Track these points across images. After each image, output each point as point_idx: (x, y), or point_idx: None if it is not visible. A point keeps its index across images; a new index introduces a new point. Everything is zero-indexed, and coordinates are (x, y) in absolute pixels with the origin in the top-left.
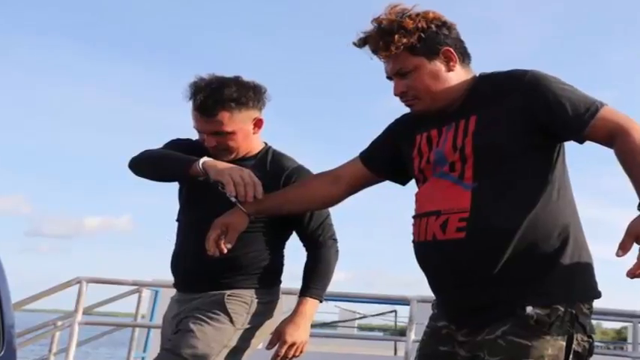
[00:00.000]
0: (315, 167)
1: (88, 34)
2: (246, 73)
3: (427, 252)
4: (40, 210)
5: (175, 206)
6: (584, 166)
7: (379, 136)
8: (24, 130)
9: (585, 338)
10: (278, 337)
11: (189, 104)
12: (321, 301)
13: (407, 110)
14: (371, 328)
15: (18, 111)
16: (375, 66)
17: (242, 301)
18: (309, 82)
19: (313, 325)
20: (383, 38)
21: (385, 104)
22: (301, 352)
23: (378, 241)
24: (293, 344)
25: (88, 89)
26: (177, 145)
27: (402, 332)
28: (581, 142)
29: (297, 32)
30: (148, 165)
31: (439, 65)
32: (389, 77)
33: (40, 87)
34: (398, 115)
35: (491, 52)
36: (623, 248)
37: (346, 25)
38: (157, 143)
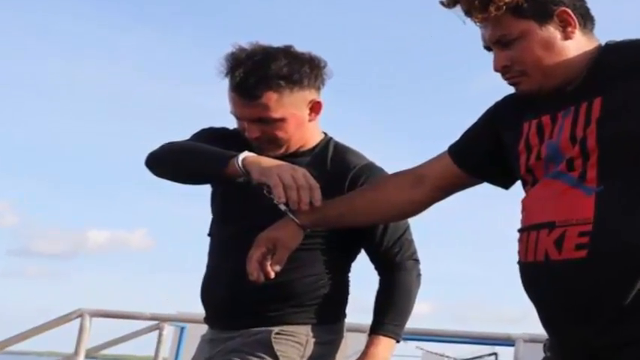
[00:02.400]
0: (391, 165)
1: None
2: (300, 42)
3: (537, 276)
4: (30, 221)
5: (207, 216)
6: None
7: (474, 124)
8: (7, 118)
9: None
10: None
11: (226, 83)
12: (398, 341)
13: (510, 90)
14: None
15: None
16: (469, 33)
17: (295, 341)
18: (383, 54)
19: None
20: None
21: (482, 83)
22: None
23: (472, 263)
24: None
25: (91, 61)
26: (209, 135)
27: None
28: None
29: None
30: (171, 162)
31: (553, 31)
32: (487, 47)
33: (28, 59)
34: (499, 97)
35: (620, 14)
36: None
37: None
38: (182, 133)
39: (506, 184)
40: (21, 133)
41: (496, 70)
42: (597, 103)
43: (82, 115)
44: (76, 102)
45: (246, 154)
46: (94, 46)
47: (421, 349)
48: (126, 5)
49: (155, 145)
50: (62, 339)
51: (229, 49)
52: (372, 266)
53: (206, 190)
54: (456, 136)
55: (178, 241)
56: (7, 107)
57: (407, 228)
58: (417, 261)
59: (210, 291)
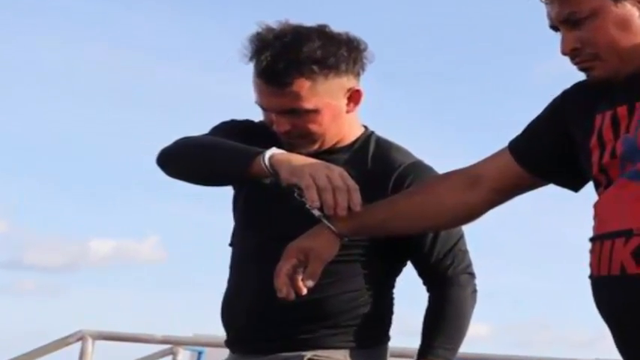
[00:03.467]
0: (442, 164)
1: None
2: (336, 21)
3: (612, 292)
4: (22, 228)
5: (229, 224)
6: None
7: (538, 116)
8: None
9: None
10: None
11: (250, 68)
12: None
13: (581, 76)
14: None
15: None
16: (532, 10)
17: None
18: (430, 33)
19: None
20: None
21: (547, 68)
22: None
23: (537, 277)
24: None
25: (93, 44)
26: (230, 129)
27: None
28: None
29: None
30: (186, 160)
31: (630, 8)
32: (553, 27)
33: (17, 41)
34: (567, 85)
35: None
36: None
37: None
38: (200, 127)
39: (575, 186)
40: (10, 126)
41: (564, 53)
42: None
43: (82, 106)
44: (75, 91)
45: (273, 150)
46: (98, 27)
47: None
48: None
49: (168, 141)
50: None
51: (255, 29)
52: (419, 281)
53: (228, 192)
54: (516, 130)
55: (195, 252)
56: None
57: (461, 236)
58: (472, 275)
59: (232, 310)
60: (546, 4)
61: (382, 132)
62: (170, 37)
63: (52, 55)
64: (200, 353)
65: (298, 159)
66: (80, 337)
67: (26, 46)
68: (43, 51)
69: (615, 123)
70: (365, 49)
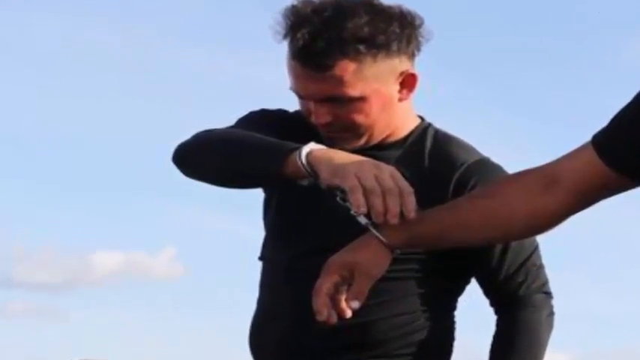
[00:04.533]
0: (512, 163)
1: None
2: None
3: None
4: (11, 239)
5: (259, 234)
6: None
7: (627, 107)
8: None
9: None
10: None
11: (284, 48)
12: None
13: None
14: None
15: None
16: None
17: None
18: (499, 7)
19: None
20: None
21: (635, 50)
22: None
23: (626, 297)
24: None
25: (98, 20)
26: (260, 121)
27: None
28: None
29: None
30: (208, 157)
31: None
32: None
33: (8, 17)
34: None
35: None
36: None
37: None
38: (225, 118)
39: None
40: None
41: None
42: None
43: (86, 94)
44: (77, 76)
45: (312, 146)
46: (103, 1)
47: None
48: None
49: (187, 135)
50: None
51: (289, 2)
52: (486, 301)
53: (258, 196)
54: (602, 123)
55: (217, 266)
56: None
57: (535, 249)
58: (548, 294)
59: (262, 335)
60: None
61: (441, 124)
62: (187, 13)
63: (46, 31)
64: None
65: (341, 156)
66: None
67: (14, 20)
68: (35, 27)
69: None
70: (421, 26)
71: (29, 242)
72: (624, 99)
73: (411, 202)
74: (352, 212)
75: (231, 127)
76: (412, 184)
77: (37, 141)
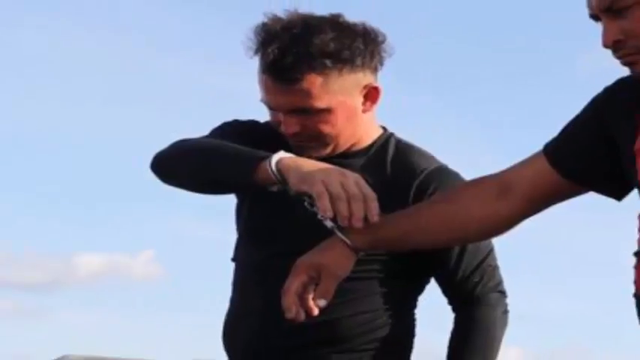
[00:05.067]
0: (469, 170)
1: None
2: (352, 12)
3: None
4: None
5: (231, 237)
6: None
7: (577, 117)
8: None
9: None
10: None
11: (256, 62)
12: None
13: (624, 72)
14: None
15: None
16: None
17: None
18: (458, 22)
19: None
20: None
21: (589, 63)
22: None
23: (575, 296)
24: None
25: (79, 27)
26: (232, 131)
27: None
28: None
29: None
30: (184, 165)
31: None
32: (594, 16)
33: None
34: (609, 82)
35: None
36: None
37: None
38: (200, 127)
39: (618, 194)
40: None
41: (605, 45)
42: None
43: (68, 100)
44: (59, 83)
45: (281, 155)
46: (84, 8)
47: None
48: None
49: (164, 143)
50: None
51: (261, 19)
52: (444, 300)
53: (230, 201)
54: (553, 132)
55: (194, 267)
56: None
57: (490, 251)
58: (503, 293)
59: (235, 332)
60: None
61: (403, 134)
62: (169, 26)
63: (32, 40)
64: None
65: (309, 164)
66: None
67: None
68: (22, 36)
69: None
70: (383, 42)
71: (13, 245)
72: (575, 109)
73: (374, 207)
74: (319, 216)
75: (206, 136)
76: (375, 190)
77: (19, 147)
